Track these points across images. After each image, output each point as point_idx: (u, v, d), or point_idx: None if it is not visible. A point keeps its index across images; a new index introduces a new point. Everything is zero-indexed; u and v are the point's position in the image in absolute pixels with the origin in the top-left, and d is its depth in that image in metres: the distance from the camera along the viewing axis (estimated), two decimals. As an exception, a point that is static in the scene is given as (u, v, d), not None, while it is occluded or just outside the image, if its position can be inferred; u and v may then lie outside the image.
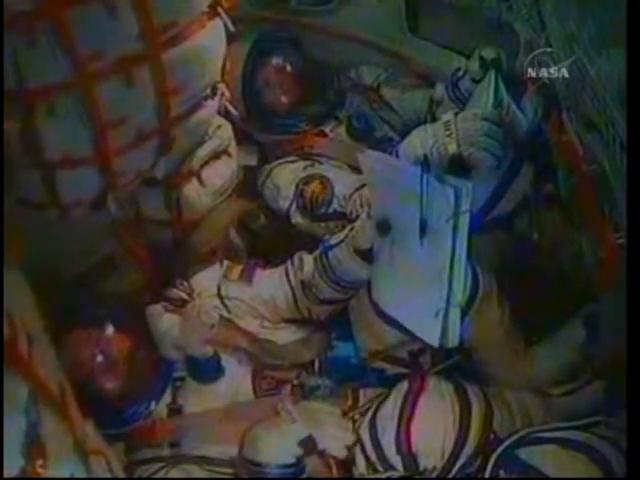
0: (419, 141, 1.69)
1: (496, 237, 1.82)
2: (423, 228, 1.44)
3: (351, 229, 1.68)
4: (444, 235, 1.42)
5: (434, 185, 1.41)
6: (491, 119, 1.63)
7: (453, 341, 1.50)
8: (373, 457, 1.61)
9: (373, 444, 1.61)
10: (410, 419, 1.59)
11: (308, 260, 1.79)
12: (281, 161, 2.20)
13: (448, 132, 1.65)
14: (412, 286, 1.52)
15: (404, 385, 1.67)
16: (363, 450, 1.63)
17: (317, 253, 1.76)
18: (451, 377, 1.70)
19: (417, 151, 1.66)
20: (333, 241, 1.72)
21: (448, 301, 1.46)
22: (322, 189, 2.03)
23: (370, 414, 1.67)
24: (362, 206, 1.84)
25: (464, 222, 1.40)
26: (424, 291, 1.49)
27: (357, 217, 1.77)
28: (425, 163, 1.47)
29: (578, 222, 1.73)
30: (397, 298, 1.59)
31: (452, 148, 1.64)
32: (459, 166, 1.62)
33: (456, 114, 1.67)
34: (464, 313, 1.51)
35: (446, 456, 1.55)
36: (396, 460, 1.58)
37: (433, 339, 1.50)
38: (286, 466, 1.57)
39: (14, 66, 1.39)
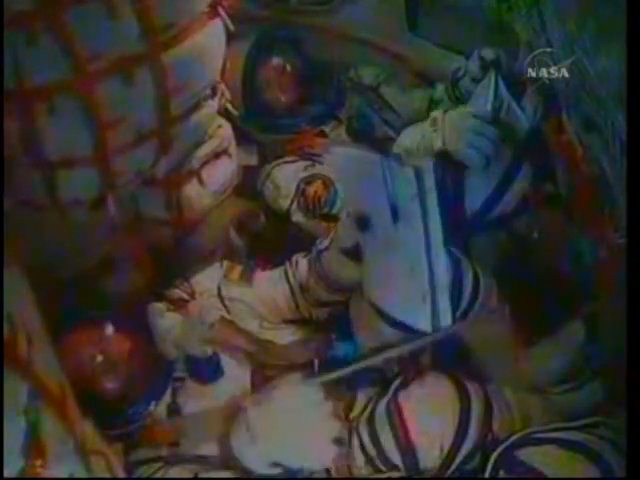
0: (408, 138, 1.69)
1: (496, 237, 1.82)
2: (394, 212, 1.42)
3: (335, 231, 1.68)
4: (414, 216, 1.41)
5: (394, 167, 1.41)
6: (481, 116, 1.61)
7: (446, 325, 1.46)
8: (373, 453, 1.60)
9: (372, 441, 1.61)
10: (409, 414, 1.59)
11: (303, 265, 1.79)
12: (281, 161, 2.20)
13: (434, 128, 1.64)
14: (395, 274, 1.49)
15: (402, 381, 1.67)
16: (362, 448, 1.62)
17: (310, 258, 1.77)
18: (450, 374, 1.70)
19: (406, 147, 1.66)
20: (322, 246, 1.73)
21: (432, 284, 1.43)
22: (324, 189, 2.03)
23: (368, 411, 1.66)
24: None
25: (432, 201, 1.38)
26: (407, 277, 1.45)
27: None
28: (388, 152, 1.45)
29: (578, 222, 1.73)
30: (384, 289, 1.56)
31: (437, 144, 1.63)
32: (447, 162, 1.62)
33: (445, 111, 1.67)
34: (465, 314, 1.51)
35: (445, 451, 1.55)
36: (395, 456, 1.58)
37: (425, 325, 1.46)
38: None
39: (14, 66, 1.39)
